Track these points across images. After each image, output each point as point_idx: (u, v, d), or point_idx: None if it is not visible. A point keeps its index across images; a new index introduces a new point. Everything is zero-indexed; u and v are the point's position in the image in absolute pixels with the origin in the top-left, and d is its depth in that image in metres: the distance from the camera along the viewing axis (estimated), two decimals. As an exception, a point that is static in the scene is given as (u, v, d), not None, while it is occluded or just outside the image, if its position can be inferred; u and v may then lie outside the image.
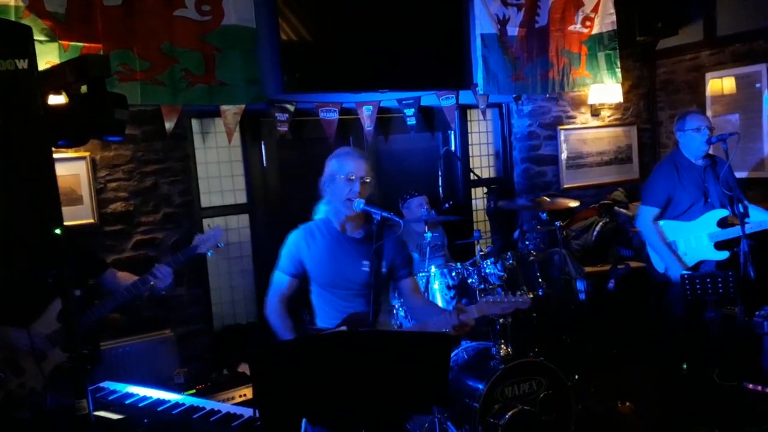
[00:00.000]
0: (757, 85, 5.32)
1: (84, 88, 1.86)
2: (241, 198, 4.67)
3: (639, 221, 4.19)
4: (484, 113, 5.28)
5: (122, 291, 3.01)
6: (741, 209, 3.79)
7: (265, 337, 4.22)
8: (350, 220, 2.75)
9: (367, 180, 2.68)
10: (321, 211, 2.84)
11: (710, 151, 4.04)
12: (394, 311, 3.62)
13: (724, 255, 3.93)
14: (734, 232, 3.84)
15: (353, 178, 2.65)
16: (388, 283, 2.84)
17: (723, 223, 3.95)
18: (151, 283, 3.03)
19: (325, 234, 2.76)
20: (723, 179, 3.94)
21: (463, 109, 5.45)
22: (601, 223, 5.29)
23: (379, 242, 2.61)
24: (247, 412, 2.26)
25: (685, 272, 3.89)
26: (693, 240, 3.97)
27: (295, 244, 2.76)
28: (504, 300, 2.68)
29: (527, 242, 4.23)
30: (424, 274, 3.80)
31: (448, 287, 3.86)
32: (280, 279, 2.77)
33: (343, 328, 2.65)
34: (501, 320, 3.50)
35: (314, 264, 2.74)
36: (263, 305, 2.79)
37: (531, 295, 2.86)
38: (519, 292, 2.78)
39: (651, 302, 4.52)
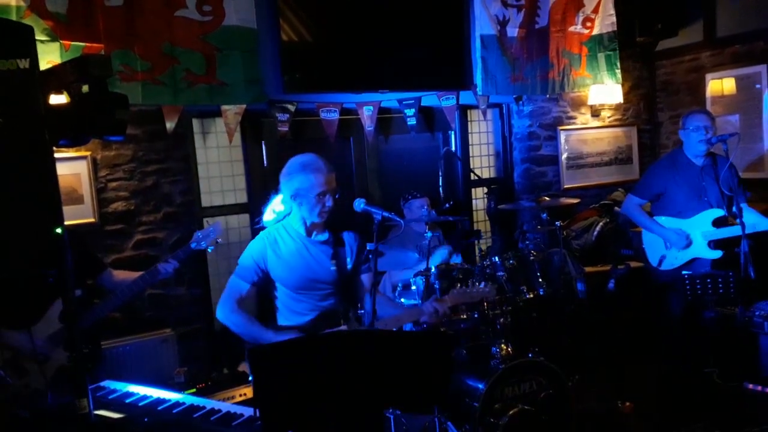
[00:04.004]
0: (757, 86, 5.33)
1: (85, 88, 1.86)
2: (242, 198, 4.67)
3: (623, 207, 4.37)
4: (484, 113, 5.29)
5: (128, 286, 3.02)
6: (735, 210, 3.80)
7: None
8: (317, 225, 2.80)
9: (337, 195, 2.70)
10: (277, 214, 2.83)
11: (712, 151, 4.05)
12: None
13: (717, 254, 3.95)
14: (727, 232, 3.88)
15: (326, 193, 2.67)
16: (354, 281, 2.88)
17: (718, 223, 3.96)
18: (159, 278, 3.07)
19: (287, 240, 2.78)
20: (723, 180, 3.94)
21: (463, 110, 5.45)
22: (601, 224, 5.29)
23: (379, 242, 2.62)
24: (248, 411, 2.26)
25: (685, 272, 3.89)
26: None
27: (259, 253, 2.76)
28: (470, 290, 3.07)
29: (527, 242, 4.23)
30: (424, 274, 3.80)
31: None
32: (239, 285, 2.76)
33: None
34: (501, 320, 3.51)
35: (282, 270, 2.75)
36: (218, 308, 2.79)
37: (494, 285, 3.28)
38: (483, 283, 3.15)
39: (651, 302, 4.51)
